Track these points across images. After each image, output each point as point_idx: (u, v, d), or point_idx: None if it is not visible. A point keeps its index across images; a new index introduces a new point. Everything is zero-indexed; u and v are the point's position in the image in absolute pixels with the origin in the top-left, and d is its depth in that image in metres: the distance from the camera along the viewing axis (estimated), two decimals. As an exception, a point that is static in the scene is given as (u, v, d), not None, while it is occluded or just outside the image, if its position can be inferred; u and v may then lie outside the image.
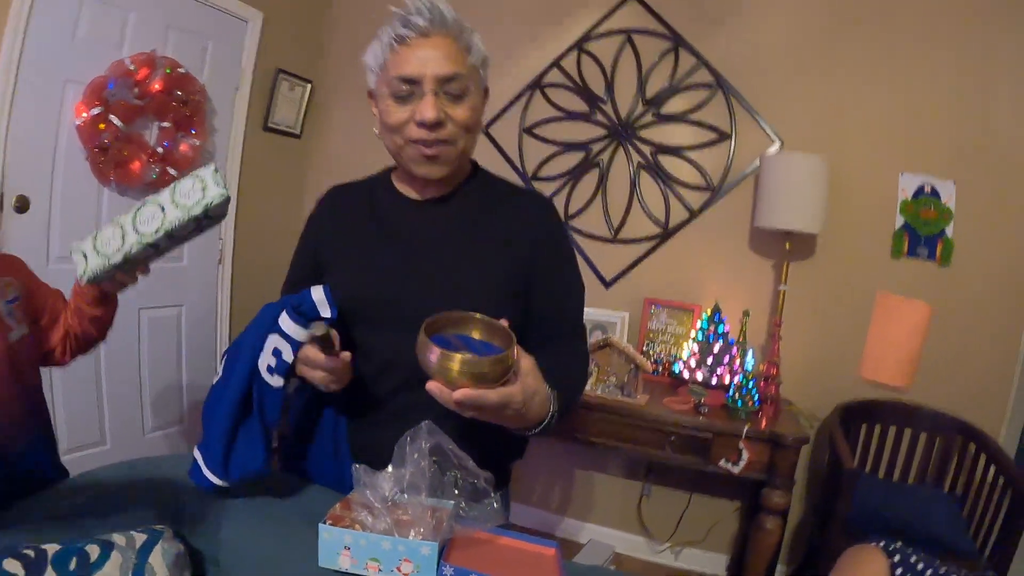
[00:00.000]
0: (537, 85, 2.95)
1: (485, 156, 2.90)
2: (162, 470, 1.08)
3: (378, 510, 0.81)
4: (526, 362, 0.88)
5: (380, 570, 0.80)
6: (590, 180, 2.90)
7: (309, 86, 3.29)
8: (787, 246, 2.43)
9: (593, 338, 2.48)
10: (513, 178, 2.91)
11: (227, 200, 0.90)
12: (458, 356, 0.79)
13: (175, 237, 0.92)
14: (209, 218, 0.91)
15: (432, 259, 1.09)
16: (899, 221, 2.48)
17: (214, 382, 1.06)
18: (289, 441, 1.24)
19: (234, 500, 1.00)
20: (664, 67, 2.75)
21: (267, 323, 1.00)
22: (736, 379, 2.33)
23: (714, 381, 2.37)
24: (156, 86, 2.45)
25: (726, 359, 2.39)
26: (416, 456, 0.83)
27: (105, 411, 2.58)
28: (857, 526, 2.06)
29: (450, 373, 0.79)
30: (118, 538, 0.84)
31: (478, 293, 1.05)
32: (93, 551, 0.81)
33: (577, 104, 2.89)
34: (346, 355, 0.95)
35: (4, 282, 1.05)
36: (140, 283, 1.05)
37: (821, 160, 2.34)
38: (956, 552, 1.98)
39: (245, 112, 2.99)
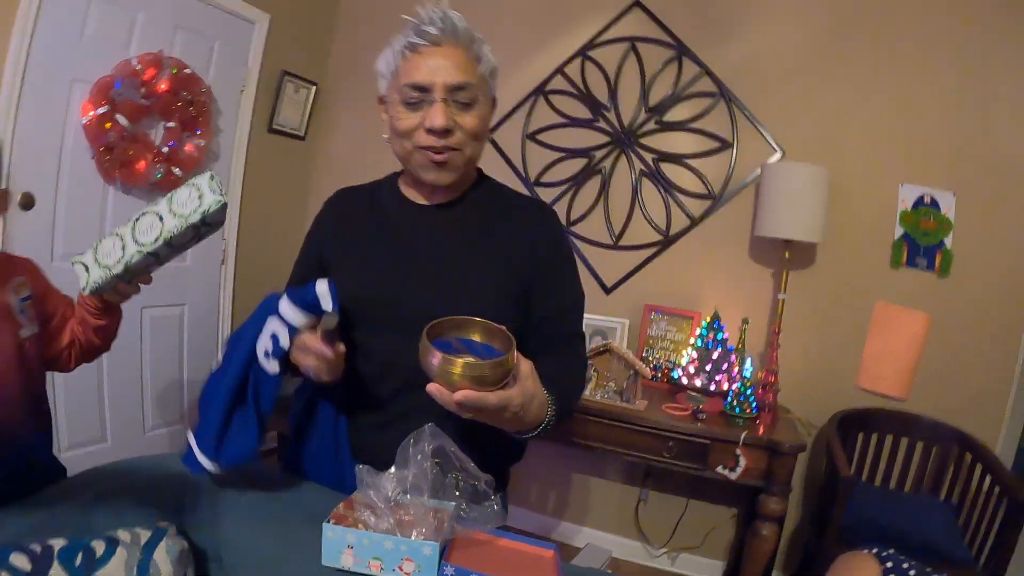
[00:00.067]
0: (541, 91, 2.97)
1: (488, 161, 2.92)
2: (165, 468, 1.09)
3: (381, 510, 0.82)
4: (525, 366, 0.90)
5: (382, 569, 0.81)
6: (592, 187, 2.91)
7: (314, 88, 3.31)
8: (787, 255, 2.44)
9: (593, 344, 2.49)
10: (516, 183, 2.94)
11: (224, 207, 0.91)
12: (459, 360, 0.81)
13: (174, 245, 0.93)
14: (207, 225, 0.92)
15: (435, 263, 1.10)
16: (898, 231, 2.49)
17: (213, 370, 1.07)
18: (289, 442, 1.25)
19: (237, 499, 1.01)
20: (667, 75, 2.77)
21: (269, 311, 1.01)
22: (734, 386, 2.34)
23: (712, 388, 2.39)
24: (162, 86, 2.47)
25: (725, 366, 2.40)
26: (419, 458, 0.84)
27: (106, 408, 2.59)
28: (853, 534, 2.07)
29: (452, 376, 0.81)
30: (123, 535, 0.85)
31: (479, 297, 1.07)
32: (99, 547, 0.82)
33: (580, 111, 2.91)
34: (340, 347, 0.97)
35: (18, 281, 1.07)
36: None
37: (822, 170, 2.35)
38: (951, 560, 1.99)
39: (250, 113, 3.01)
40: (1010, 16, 2.36)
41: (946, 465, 2.38)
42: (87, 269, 0.92)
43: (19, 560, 0.76)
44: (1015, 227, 2.39)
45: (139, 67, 2.40)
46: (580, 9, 2.90)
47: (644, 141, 2.82)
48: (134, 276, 0.97)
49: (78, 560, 0.80)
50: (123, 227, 0.92)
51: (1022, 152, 2.38)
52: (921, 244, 2.47)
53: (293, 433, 1.23)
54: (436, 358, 0.81)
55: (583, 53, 2.90)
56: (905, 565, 0.88)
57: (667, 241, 2.81)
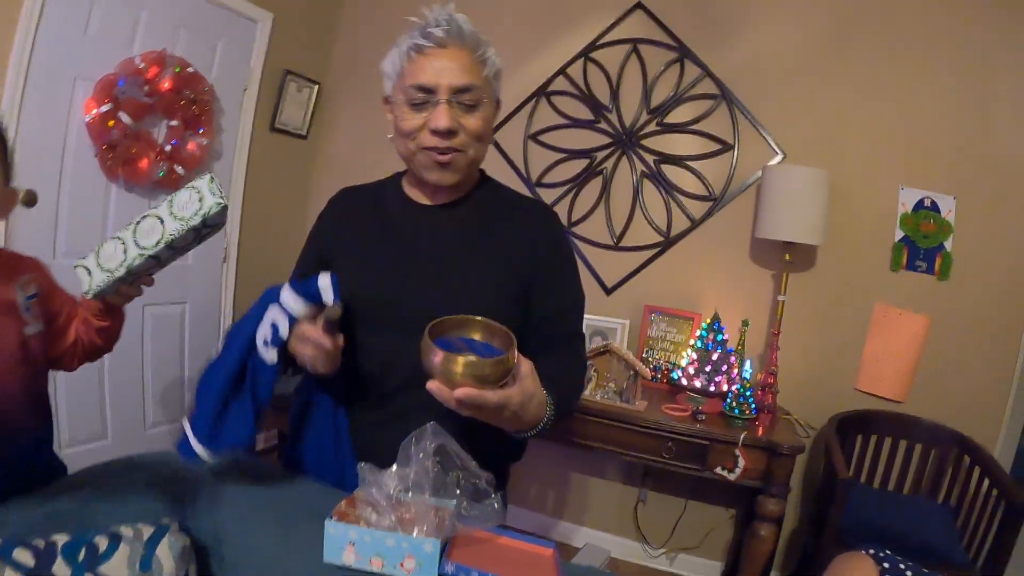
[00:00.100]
0: (543, 92, 2.97)
1: (490, 161, 2.91)
2: (167, 464, 1.09)
3: (383, 508, 0.83)
4: (525, 365, 0.91)
5: (383, 566, 0.81)
6: (593, 187, 2.92)
7: (316, 88, 3.31)
8: (787, 257, 2.45)
9: (593, 344, 2.50)
10: (517, 184, 2.94)
11: (224, 209, 0.92)
12: (461, 358, 0.82)
13: (176, 248, 0.94)
14: (208, 227, 0.93)
15: (436, 263, 1.11)
16: (898, 234, 2.50)
17: (212, 359, 1.07)
18: (290, 440, 1.26)
19: (238, 496, 1.01)
20: (669, 77, 2.78)
21: (270, 301, 1.02)
22: (734, 387, 2.35)
23: (712, 389, 2.39)
24: (165, 84, 2.48)
25: (724, 367, 2.41)
26: (421, 456, 0.85)
27: (107, 406, 2.59)
28: (851, 535, 2.07)
29: (453, 374, 0.82)
30: (126, 530, 0.86)
31: (480, 297, 1.07)
32: (101, 543, 0.83)
33: (582, 112, 2.92)
34: (339, 339, 0.98)
35: (26, 279, 1.08)
36: None
37: (822, 172, 2.36)
38: (949, 563, 1.99)
39: (253, 112, 3.02)
40: (1010, 18, 2.37)
41: (944, 468, 2.38)
42: (89, 273, 0.92)
43: (23, 555, 0.77)
44: (1015, 230, 2.40)
45: (142, 65, 2.40)
46: (582, 10, 2.91)
47: (645, 142, 2.82)
48: (136, 278, 0.98)
49: (81, 555, 0.80)
50: (124, 230, 0.92)
51: (1022, 155, 2.39)
52: (921, 247, 2.47)
53: (293, 431, 1.23)
54: (438, 356, 0.82)
55: (585, 54, 2.90)
56: (902, 566, 0.88)
57: (668, 242, 2.82)
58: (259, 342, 1.01)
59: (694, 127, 2.75)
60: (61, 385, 2.37)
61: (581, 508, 2.99)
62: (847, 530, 2.08)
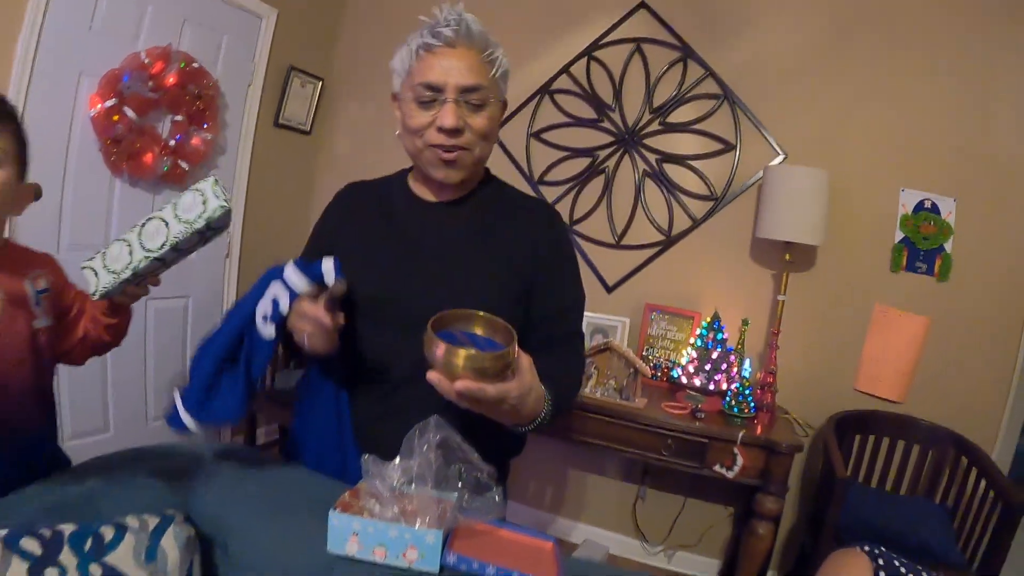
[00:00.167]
0: (546, 90, 2.98)
1: (493, 159, 2.92)
2: (172, 456, 1.11)
3: (386, 499, 0.84)
4: (524, 360, 0.92)
5: (386, 556, 0.83)
6: (595, 186, 2.93)
7: (320, 83, 3.32)
8: (787, 257, 2.46)
9: (594, 342, 2.51)
10: (520, 181, 2.95)
11: (228, 213, 0.93)
12: (462, 351, 0.83)
13: (180, 250, 0.95)
14: (212, 230, 0.94)
15: (440, 260, 1.12)
16: (899, 235, 2.51)
17: (210, 333, 1.08)
18: (292, 432, 1.27)
19: (243, 487, 1.02)
20: (672, 77, 2.79)
21: (271, 279, 1.02)
22: (733, 386, 2.36)
23: (711, 387, 2.40)
24: (170, 80, 2.48)
25: (724, 366, 2.42)
26: (425, 448, 0.86)
27: (110, 399, 2.61)
28: (848, 534, 2.08)
29: (454, 367, 0.83)
30: (131, 521, 0.87)
31: (481, 295, 1.08)
32: (107, 532, 0.84)
33: (585, 110, 2.93)
34: (340, 318, 0.98)
35: (37, 273, 1.09)
36: None
37: (823, 173, 2.36)
38: (946, 563, 2.01)
39: (257, 108, 3.02)
40: (1010, 19, 2.37)
41: (942, 468, 2.39)
42: (96, 274, 0.93)
43: (30, 544, 0.78)
44: (1015, 232, 2.40)
45: (147, 60, 2.41)
46: (586, 9, 2.91)
47: (648, 142, 2.83)
48: (142, 279, 0.99)
49: (87, 545, 0.82)
50: (130, 232, 0.93)
51: (1022, 155, 2.39)
52: (921, 248, 2.48)
53: (295, 425, 1.25)
54: (440, 348, 0.83)
55: (588, 53, 2.91)
56: (896, 563, 0.90)
57: (669, 241, 2.83)
58: (258, 318, 1.02)
59: (696, 127, 2.76)
60: (64, 378, 2.38)
61: (580, 505, 3.00)
62: (845, 529, 2.09)
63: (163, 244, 0.91)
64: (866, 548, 0.92)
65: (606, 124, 2.89)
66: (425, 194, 1.18)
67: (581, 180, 2.94)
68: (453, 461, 0.89)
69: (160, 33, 2.50)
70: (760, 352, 2.65)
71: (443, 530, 0.83)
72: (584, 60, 2.91)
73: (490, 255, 1.13)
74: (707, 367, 2.43)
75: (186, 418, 1.01)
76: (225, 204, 0.91)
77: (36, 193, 1.15)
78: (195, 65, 2.59)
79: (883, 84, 2.52)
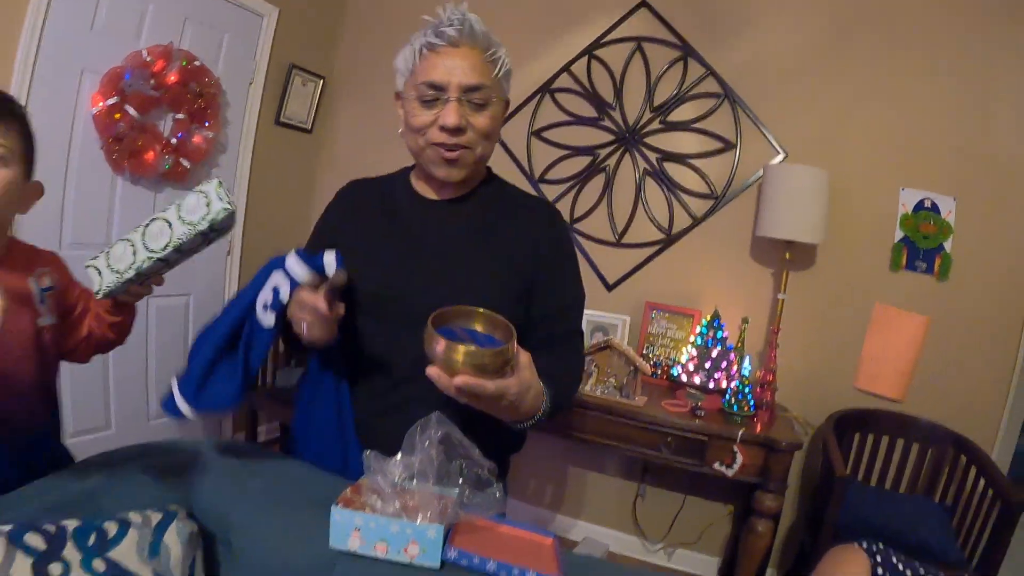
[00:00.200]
0: (547, 89, 2.98)
1: (494, 157, 2.92)
2: (175, 452, 1.11)
3: (387, 494, 0.84)
4: (524, 357, 0.92)
5: (388, 551, 0.83)
6: (596, 184, 2.93)
7: (321, 82, 3.33)
8: (787, 256, 2.46)
9: (594, 340, 2.51)
10: (520, 179, 2.95)
11: (231, 215, 0.93)
12: (462, 347, 0.84)
13: (184, 251, 0.95)
14: (216, 231, 0.94)
15: (441, 258, 1.13)
16: (898, 235, 2.51)
17: (210, 322, 1.08)
18: (294, 428, 1.28)
19: (245, 483, 1.02)
20: (672, 75, 2.79)
21: (273, 269, 1.03)
22: (733, 384, 2.36)
23: (711, 385, 2.41)
24: (172, 78, 2.49)
25: (724, 364, 2.42)
26: (426, 444, 0.86)
27: (111, 396, 2.62)
28: (848, 533, 2.08)
29: (453, 362, 0.84)
30: (134, 516, 0.87)
31: (482, 292, 1.08)
32: (111, 528, 0.85)
33: (586, 109, 2.93)
34: (339, 308, 0.99)
35: (42, 271, 1.10)
36: None
37: (823, 172, 2.37)
38: (945, 561, 2.01)
39: (258, 106, 3.03)
40: (1010, 19, 2.38)
41: (941, 467, 2.40)
42: (99, 273, 0.94)
43: (34, 540, 0.79)
44: (1015, 231, 2.41)
45: (149, 58, 2.42)
46: (587, 8, 2.92)
47: (648, 140, 2.83)
48: (145, 279, 0.99)
49: (91, 540, 0.82)
50: (134, 232, 0.94)
51: (1022, 155, 2.39)
52: (921, 247, 2.48)
53: (296, 421, 1.25)
54: (440, 344, 0.84)
55: (589, 52, 2.91)
56: (894, 559, 0.90)
57: (669, 240, 2.83)
58: (259, 306, 1.02)
59: (696, 126, 2.76)
60: (66, 375, 2.37)
61: (580, 502, 3.00)
62: (844, 527, 2.10)
63: (166, 245, 0.92)
64: (864, 545, 0.93)
65: (607, 123, 2.89)
66: (427, 192, 1.19)
67: (582, 179, 2.94)
68: (454, 457, 0.90)
69: (161, 31, 2.51)
70: (760, 350, 2.66)
71: (444, 525, 0.83)
72: (585, 59, 2.92)
73: (491, 253, 1.14)
74: (707, 365, 2.43)
75: (182, 404, 1.01)
76: (229, 206, 0.92)
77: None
78: (196, 63, 2.59)
79: (883, 84, 2.52)
